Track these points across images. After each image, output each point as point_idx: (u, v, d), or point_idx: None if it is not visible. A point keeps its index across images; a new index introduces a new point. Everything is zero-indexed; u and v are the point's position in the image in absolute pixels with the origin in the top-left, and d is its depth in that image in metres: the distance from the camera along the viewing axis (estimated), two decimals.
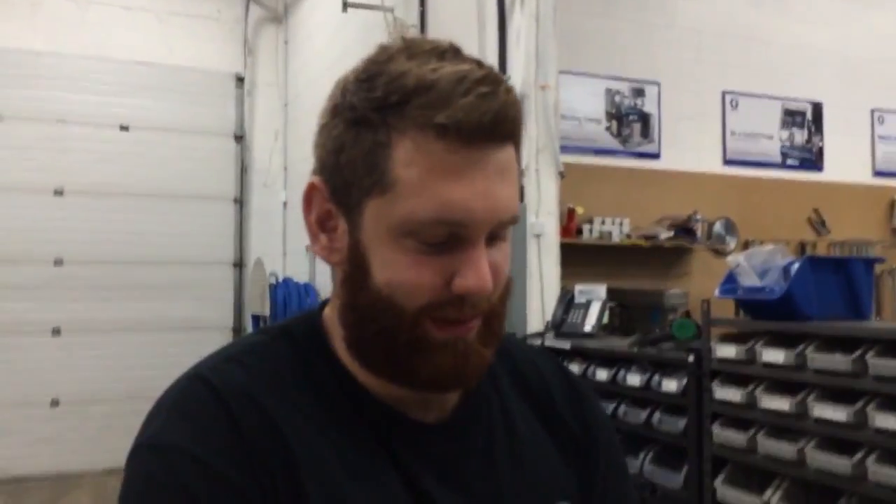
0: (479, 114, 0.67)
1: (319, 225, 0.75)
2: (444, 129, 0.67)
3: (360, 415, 0.75)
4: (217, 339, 6.95)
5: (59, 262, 6.00)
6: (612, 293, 3.58)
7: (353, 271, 0.73)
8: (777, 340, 2.42)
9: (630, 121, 5.40)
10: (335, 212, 0.74)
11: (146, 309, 6.32)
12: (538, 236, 3.79)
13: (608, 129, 5.34)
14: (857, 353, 2.12)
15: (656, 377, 2.75)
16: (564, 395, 0.89)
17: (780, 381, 2.37)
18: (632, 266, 5.08)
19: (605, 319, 3.52)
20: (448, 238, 0.69)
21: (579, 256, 4.54)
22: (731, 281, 2.56)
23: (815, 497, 2.26)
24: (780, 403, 2.31)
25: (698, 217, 5.27)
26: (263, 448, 0.70)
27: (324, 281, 6.11)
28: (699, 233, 5.25)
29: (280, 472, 0.70)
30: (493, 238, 0.71)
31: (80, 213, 6.02)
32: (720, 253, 5.22)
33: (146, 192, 6.19)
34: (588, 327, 3.24)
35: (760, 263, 2.49)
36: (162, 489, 0.68)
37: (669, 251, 5.24)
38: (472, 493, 0.77)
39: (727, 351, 2.50)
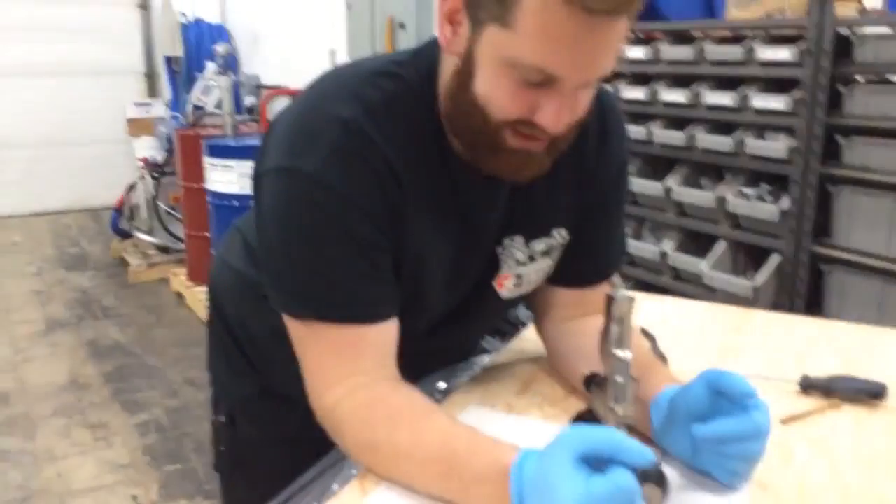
0: None
1: (448, 17, 0.81)
2: None
3: (446, 167, 0.90)
4: (130, 84, 6.96)
5: None
6: None
7: (463, 70, 0.81)
8: (639, 40, 2.78)
9: None
10: (463, 15, 0.79)
11: (52, 52, 6.24)
12: None
13: None
14: (697, 43, 2.51)
15: None
16: (597, 137, 0.98)
17: (637, 75, 2.77)
18: None
19: None
20: (543, 81, 0.76)
21: None
22: None
23: (659, 168, 2.75)
24: (636, 93, 2.72)
25: None
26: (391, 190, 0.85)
27: (235, 20, 6.10)
28: None
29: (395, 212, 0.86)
30: (584, 84, 0.79)
31: None
32: None
33: None
34: None
35: None
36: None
37: None
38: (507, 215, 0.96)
39: None
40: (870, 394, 1.02)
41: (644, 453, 0.65)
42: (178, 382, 3.35)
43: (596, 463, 0.66)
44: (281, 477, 0.89)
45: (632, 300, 0.78)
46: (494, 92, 0.79)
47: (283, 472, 0.90)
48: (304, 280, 0.85)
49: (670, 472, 0.82)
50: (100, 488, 2.58)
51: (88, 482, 2.61)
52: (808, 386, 1.04)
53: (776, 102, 2.22)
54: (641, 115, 2.74)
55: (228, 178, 3.56)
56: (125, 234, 5.26)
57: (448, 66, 0.84)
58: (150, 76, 7.12)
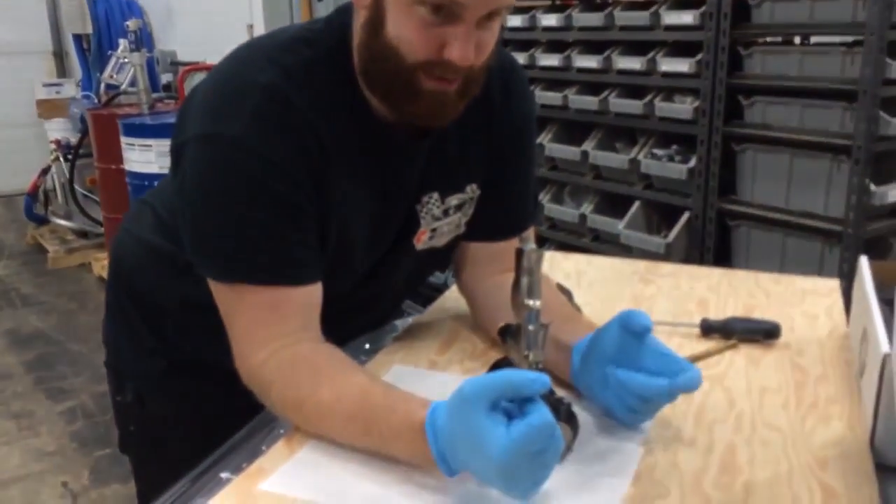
0: None
1: None
2: None
3: (366, 128, 0.93)
4: (38, 64, 6.68)
5: None
6: None
7: (373, 18, 0.85)
8: (554, 8, 2.84)
9: None
10: None
11: None
12: None
13: None
14: (608, 10, 2.58)
15: None
16: (501, 94, 1.03)
17: (553, 42, 2.83)
18: None
19: None
20: (448, 14, 0.81)
21: None
22: None
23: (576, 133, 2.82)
24: (551, 60, 2.78)
25: None
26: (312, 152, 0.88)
27: None
28: None
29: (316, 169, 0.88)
30: (488, 18, 0.84)
31: None
32: None
33: None
34: None
35: None
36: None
37: None
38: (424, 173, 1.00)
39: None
40: (764, 333, 1.10)
41: (537, 379, 0.69)
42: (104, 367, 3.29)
43: (507, 406, 0.70)
44: (195, 451, 0.89)
45: (540, 252, 0.83)
46: (404, 32, 0.83)
47: (196, 447, 0.90)
48: (230, 244, 0.87)
49: (583, 414, 0.87)
50: (27, 476, 2.53)
51: (15, 471, 2.56)
52: (708, 328, 1.11)
53: (682, 66, 2.31)
54: (557, 81, 2.80)
55: (147, 157, 3.49)
56: (41, 220, 5.09)
57: (360, 22, 0.88)
58: (59, 55, 6.84)
